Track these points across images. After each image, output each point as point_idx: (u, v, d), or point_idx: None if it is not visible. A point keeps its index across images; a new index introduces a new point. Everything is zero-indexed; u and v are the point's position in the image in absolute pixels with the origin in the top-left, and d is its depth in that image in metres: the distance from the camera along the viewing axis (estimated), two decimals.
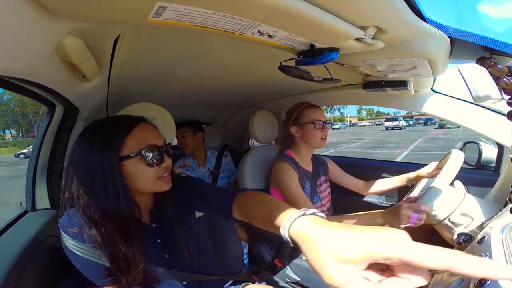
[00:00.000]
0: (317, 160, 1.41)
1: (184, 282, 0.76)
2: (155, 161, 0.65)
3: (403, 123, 27.34)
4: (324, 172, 1.40)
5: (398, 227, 0.95)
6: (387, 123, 27.83)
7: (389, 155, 9.94)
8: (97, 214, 0.63)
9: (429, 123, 28.96)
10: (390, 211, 0.93)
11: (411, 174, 1.27)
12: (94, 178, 0.62)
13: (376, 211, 1.03)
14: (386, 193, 1.60)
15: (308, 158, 1.34)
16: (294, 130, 1.29)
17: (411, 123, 31.20)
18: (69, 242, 0.67)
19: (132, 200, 0.67)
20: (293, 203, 1.19)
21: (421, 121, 32.56)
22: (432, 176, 1.18)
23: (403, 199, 1.06)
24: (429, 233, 1.23)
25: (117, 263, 0.66)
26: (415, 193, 1.13)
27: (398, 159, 8.55)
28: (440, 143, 13.22)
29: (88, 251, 0.67)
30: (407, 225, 0.87)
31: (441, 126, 23.96)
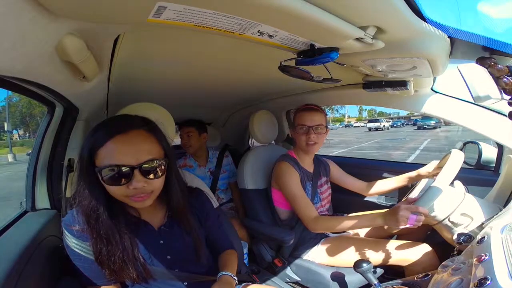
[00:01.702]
0: (318, 161, 1.41)
1: (185, 283, 0.77)
2: (114, 182, 0.60)
3: (384, 124, 28.40)
4: (325, 173, 1.40)
5: (398, 228, 0.95)
6: (369, 124, 28.80)
7: (327, 153, 11.35)
8: (89, 206, 0.64)
9: (417, 123, 29.35)
10: (389, 212, 0.93)
11: (412, 173, 1.27)
12: (80, 170, 0.64)
13: (376, 212, 1.04)
14: (387, 193, 1.60)
15: (309, 159, 1.34)
16: (291, 131, 1.32)
17: (398, 123, 31.90)
18: (71, 241, 0.67)
19: (114, 201, 0.65)
20: (293, 203, 1.19)
21: (411, 122, 32.72)
22: (433, 175, 1.18)
23: (403, 199, 1.06)
24: (429, 233, 1.23)
25: (107, 260, 0.66)
26: (414, 193, 1.13)
27: (331, 154, 9.79)
28: (390, 143, 14.44)
29: (90, 250, 0.67)
30: (406, 226, 0.87)
31: (419, 127, 24.64)
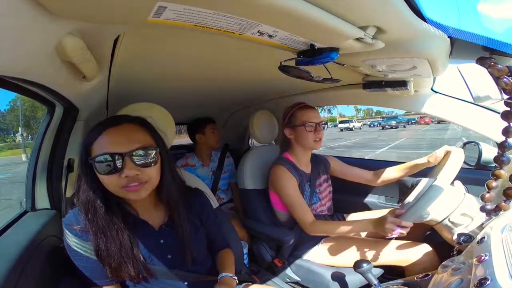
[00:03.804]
0: (317, 159, 1.40)
1: (186, 283, 0.77)
2: (106, 170, 0.61)
3: (354, 124, 31.13)
4: (325, 171, 1.39)
5: (385, 236, 1.00)
6: (341, 125, 31.66)
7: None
8: (87, 199, 0.66)
9: (380, 123, 32.59)
10: (378, 221, 1.00)
11: (422, 160, 1.21)
12: (79, 166, 0.67)
13: (368, 219, 1.07)
14: (387, 194, 1.60)
15: (306, 159, 1.33)
16: (288, 132, 1.29)
17: (375, 123, 34.07)
18: (72, 240, 0.67)
19: (110, 197, 0.66)
20: (290, 208, 1.20)
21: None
22: (442, 164, 1.13)
23: (399, 205, 1.07)
24: (429, 233, 1.23)
25: (106, 257, 0.66)
26: (412, 196, 1.13)
27: None
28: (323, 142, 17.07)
29: (91, 249, 0.67)
30: (391, 236, 0.96)
31: (383, 127, 27.91)
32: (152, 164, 0.65)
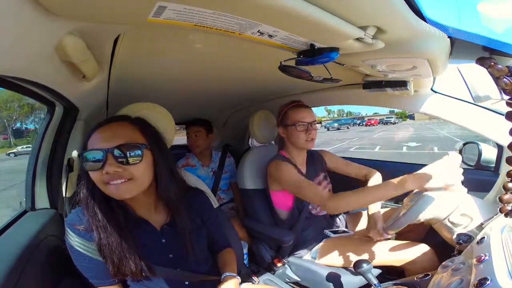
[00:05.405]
0: (312, 156, 1.38)
1: (187, 282, 0.77)
2: (90, 167, 0.62)
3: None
4: (322, 168, 1.37)
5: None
6: None
7: None
8: (87, 195, 0.67)
9: (330, 126, 36.93)
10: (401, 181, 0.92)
11: None
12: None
13: (389, 181, 0.97)
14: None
15: (301, 159, 1.32)
16: (281, 131, 1.28)
17: (336, 124, 37.54)
18: (75, 241, 0.67)
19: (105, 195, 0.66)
20: (300, 192, 1.14)
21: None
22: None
23: (400, 202, 1.06)
24: (428, 233, 1.23)
25: (108, 252, 0.67)
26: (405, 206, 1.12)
27: None
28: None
29: (94, 250, 0.67)
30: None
31: (327, 129, 32.19)
32: (135, 162, 0.63)
